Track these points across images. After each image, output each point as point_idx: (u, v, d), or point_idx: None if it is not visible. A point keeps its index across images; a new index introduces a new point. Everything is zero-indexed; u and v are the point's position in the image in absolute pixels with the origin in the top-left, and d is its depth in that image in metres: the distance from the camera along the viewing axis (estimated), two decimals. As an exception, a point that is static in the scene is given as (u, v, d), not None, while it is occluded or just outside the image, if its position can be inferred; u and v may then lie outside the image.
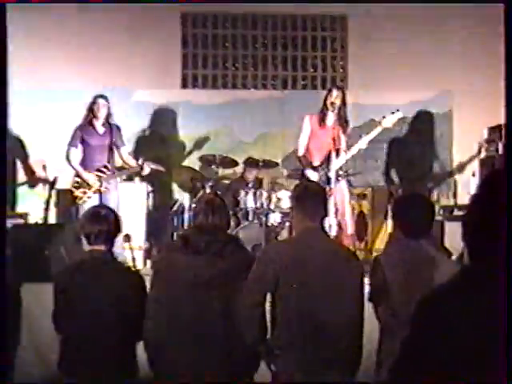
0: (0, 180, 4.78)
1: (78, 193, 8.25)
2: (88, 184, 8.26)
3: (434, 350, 2.06)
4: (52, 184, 9.17)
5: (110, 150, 8.47)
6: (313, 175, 7.94)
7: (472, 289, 2.10)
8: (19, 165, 9.85)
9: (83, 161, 8.40)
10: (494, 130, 9.29)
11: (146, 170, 8.46)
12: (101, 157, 8.42)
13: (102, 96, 8.42)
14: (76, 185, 8.29)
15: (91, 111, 8.42)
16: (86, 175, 8.28)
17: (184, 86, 10.35)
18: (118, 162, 8.60)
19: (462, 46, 10.03)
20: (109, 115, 8.46)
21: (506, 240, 2.04)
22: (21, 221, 8.55)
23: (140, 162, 8.46)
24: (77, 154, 8.41)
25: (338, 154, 7.88)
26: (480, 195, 2.22)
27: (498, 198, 2.13)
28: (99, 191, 8.28)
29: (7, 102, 4.85)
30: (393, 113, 8.05)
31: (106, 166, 8.37)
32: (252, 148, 9.98)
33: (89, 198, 8.19)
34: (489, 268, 2.10)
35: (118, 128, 8.59)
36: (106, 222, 4.60)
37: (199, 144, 9.97)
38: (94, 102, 8.42)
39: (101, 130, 8.46)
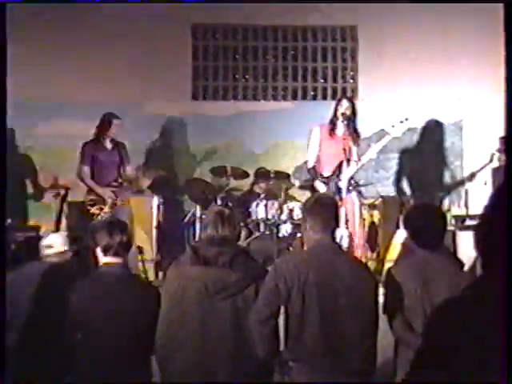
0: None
1: (94, 210, 8.25)
2: (103, 199, 8.27)
3: (447, 361, 2.05)
4: (64, 197, 9.17)
5: (118, 165, 8.52)
6: (322, 187, 7.93)
7: (485, 300, 2.09)
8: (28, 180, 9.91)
9: (93, 177, 8.43)
10: (504, 139, 9.27)
11: (146, 182, 8.52)
12: (110, 172, 8.47)
13: (116, 116, 8.45)
14: (90, 202, 8.29)
15: (103, 129, 8.44)
16: (100, 190, 8.29)
17: (194, 97, 10.37)
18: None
19: (472, 55, 10.00)
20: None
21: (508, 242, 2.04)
22: (32, 233, 8.56)
23: (145, 174, 8.51)
24: (88, 171, 8.44)
25: (348, 165, 7.86)
26: (492, 204, 2.21)
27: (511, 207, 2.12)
28: (115, 205, 8.29)
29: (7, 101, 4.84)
30: (401, 122, 8.03)
31: (116, 180, 8.40)
32: (263, 159, 9.97)
33: (105, 213, 8.19)
34: (501, 279, 2.09)
35: (124, 145, 8.64)
36: (125, 234, 4.61)
37: (208, 156, 9.97)
38: (108, 121, 8.44)
39: (109, 146, 8.51)
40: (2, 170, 4.78)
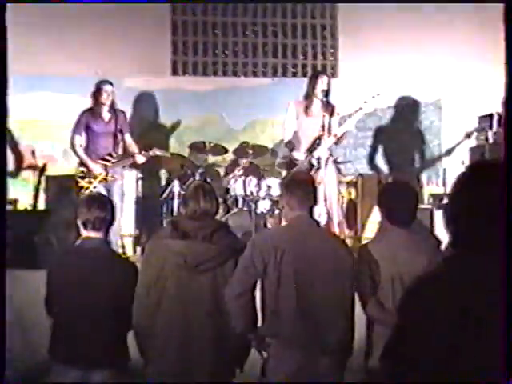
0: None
1: (83, 183, 8.15)
2: (93, 173, 8.20)
3: (422, 337, 2.08)
4: (41, 170, 9.11)
5: (115, 136, 8.42)
6: (300, 156, 7.97)
7: (454, 277, 2.12)
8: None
9: (87, 148, 8.32)
10: (484, 118, 9.32)
11: (141, 159, 8.39)
12: (105, 144, 8.34)
13: (107, 82, 8.37)
14: (81, 174, 8.21)
15: (96, 97, 8.36)
16: (91, 165, 8.18)
17: (174, 73, 10.32)
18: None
19: (451, 35, 10.02)
20: (113, 101, 8.41)
21: (506, 236, 2.06)
22: (10, 207, 8.52)
23: (142, 152, 8.39)
24: (81, 141, 8.34)
25: (326, 138, 7.94)
26: (462, 183, 2.23)
27: (480, 186, 2.15)
28: (105, 180, 8.22)
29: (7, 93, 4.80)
30: (373, 97, 8.09)
31: (110, 154, 8.30)
32: (242, 135, 9.96)
33: (94, 187, 8.10)
34: (470, 255, 2.12)
35: (123, 113, 8.55)
36: (105, 210, 4.60)
37: (173, 129, 9.96)
38: (99, 89, 8.35)
39: (106, 116, 8.38)
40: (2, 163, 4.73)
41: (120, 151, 8.51)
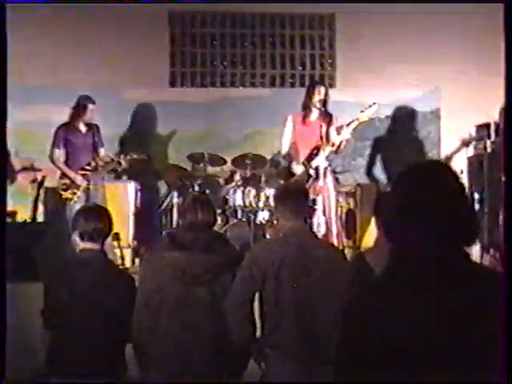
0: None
1: (67, 194, 8.25)
2: (75, 184, 8.26)
3: (363, 346, 2.08)
4: (40, 183, 9.12)
5: (93, 148, 8.50)
6: (298, 169, 8.00)
7: (389, 286, 2.13)
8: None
9: (67, 160, 8.43)
10: (481, 127, 9.32)
11: (124, 164, 8.48)
12: (84, 156, 8.46)
13: (91, 100, 8.43)
14: (64, 187, 8.29)
15: (78, 112, 8.42)
16: (72, 175, 8.30)
17: (172, 84, 10.35)
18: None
19: (449, 45, 10.05)
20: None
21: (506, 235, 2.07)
22: (8, 220, 8.52)
23: (121, 157, 8.48)
24: (61, 154, 8.42)
25: (324, 148, 7.97)
26: (394, 189, 2.24)
27: (411, 192, 2.15)
28: (88, 189, 8.29)
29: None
30: (370, 106, 8.15)
31: (89, 164, 8.39)
32: (241, 146, 9.96)
33: (78, 198, 8.19)
34: (404, 265, 2.12)
35: (98, 128, 8.63)
36: (101, 220, 4.60)
37: (169, 138, 9.97)
38: (83, 105, 8.41)
39: (83, 129, 8.51)
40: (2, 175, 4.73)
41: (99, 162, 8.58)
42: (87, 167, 8.38)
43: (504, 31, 3.92)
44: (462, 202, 2.15)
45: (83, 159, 8.43)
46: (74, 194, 8.23)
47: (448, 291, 2.04)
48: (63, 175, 8.38)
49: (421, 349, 2.00)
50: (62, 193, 8.28)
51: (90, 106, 8.43)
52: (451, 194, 2.13)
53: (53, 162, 8.44)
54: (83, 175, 8.31)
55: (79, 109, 8.43)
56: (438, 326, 2.02)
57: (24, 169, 9.46)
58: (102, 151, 8.62)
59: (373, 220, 8.15)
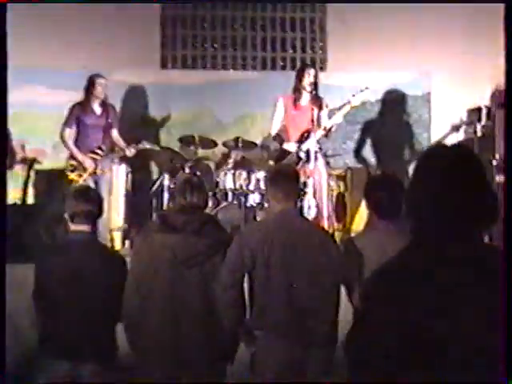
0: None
1: (73, 176, 8.18)
2: (83, 166, 8.20)
3: (383, 325, 2.09)
4: (30, 164, 9.09)
5: (105, 130, 8.43)
6: (291, 147, 8.03)
7: (411, 264, 2.14)
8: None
9: (77, 141, 8.34)
10: (472, 112, 9.34)
11: (131, 152, 8.43)
12: (95, 137, 8.37)
13: (100, 75, 8.38)
14: (71, 168, 8.22)
15: (90, 91, 8.35)
16: (81, 157, 8.22)
17: (163, 66, 10.31)
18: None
19: (440, 27, 10.04)
20: (106, 95, 8.42)
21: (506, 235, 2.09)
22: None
23: (132, 145, 8.42)
24: (72, 133, 8.34)
25: (315, 131, 7.99)
26: (419, 170, 2.25)
27: (436, 173, 2.17)
28: (95, 173, 8.23)
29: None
30: (362, 90, 8.15)
31: (100, 147, 8.32)
32: (231, 129, 9.96)
33: (84, 180, 8.13)
34: (431, 243, 2.14)
35: (114, 108, 8.58)
36: (92, 203, 4.60)
37: (162, 123, 9.95)
38: (93, 82, 8.35)
39: (98, 110, 8.43)
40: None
41: (110, 145, 8.53)
42: (98, 151, 8.30)
43: (504, 31, 3.93)
44: (485, 185, 2.18)
45: (93, 140, 8.34)
46: (81, 176, 8.18)
47: (469, 268, 2.06)
48: (71, 156, 8.29)
49: (445, 324, 2.03)
50: (69, 173, 8.20)
51: (98, 81, 8.36)
52: (476, 178, 2.16)
53: (63, 141, 8.35)
54: (92, 159, 8.26)
55: (89, 86, 8.37)
56: (460, 298, 2.04)
57: (23, 160, 9.34)
58: (114, 132, 8.55)
59: (363, 203, 8.22)
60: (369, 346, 2.12)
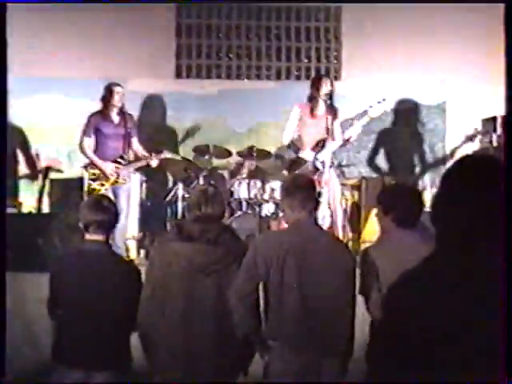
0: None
1: (95, 185, 8.15)
2: (105, 175, 8.20)
3: (405, 335, 2.08)
4: (45, 173, 9.11)
5: (124, 139, 8.40)
6: (308, 156, 8.01)
7: (436, 274, 2.13)
8: (20, 156, 9.71)
9: (96, 150, 8.30)
10: (488, 121, 9.31)
11: (154, 163, 8.41)
12: (115, 146, 8.32)
13: (117, 84, 8.37)
14: (93, 177, 8.20)
15: (107, 100, 8.34)
16: (104, 166, 8.20)
17: (178, 75, 10.33)
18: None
19: (457, 37, 10.02)
20: (123, 104, 8.41)
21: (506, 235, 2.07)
22: (14, 210, 8.53)
23: (153, 155, 8.41)
24: (91, 143, 8.32)
25: (331, 141, 7.98)
26: (448, 179, 2.24)
27: (466, 183, 2.15)
28: (116, 182, 8.22)
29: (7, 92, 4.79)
30: (379, 102, 8.10)
31: (122, 157, 8.30)
32: (246, 138, 9.97)
33: (106, 190, 8.10)
34: (455, 253, 2.13)
35: (132, 117, 8.55)
36: (106, 212, 4.61)
37: (190, 133, 9.95)
38: (110, 91, 8.34)
39: (116, 119, 8.37)
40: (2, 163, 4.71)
41: (131, 154, 8.52)
42: (120, 160, 8.29)
43: (504, 31, 3.91)
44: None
45: (112, 149, 8.30)
46: (103, 185, 8.15)
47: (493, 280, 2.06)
48: (93, 165, 8.25)
49: (471, 336, 2.02)
50: (91, 183, 8.19)
51: (116, 89, 8.32)
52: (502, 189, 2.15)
53: (82, 150, 8.32)
54: (115, 168, 8.24)
55: (107, 95, 8.35)
56: (485, 309, 2.03)
57: (47, 168, 9.31)
58: (134, 141, 8.50)
59: (373, 212, 8.22)
60: (392, 356, 2.10)
